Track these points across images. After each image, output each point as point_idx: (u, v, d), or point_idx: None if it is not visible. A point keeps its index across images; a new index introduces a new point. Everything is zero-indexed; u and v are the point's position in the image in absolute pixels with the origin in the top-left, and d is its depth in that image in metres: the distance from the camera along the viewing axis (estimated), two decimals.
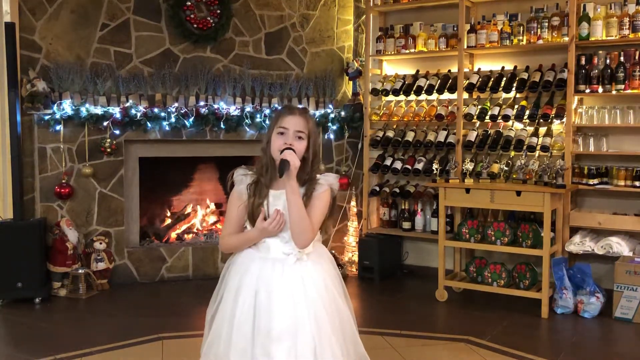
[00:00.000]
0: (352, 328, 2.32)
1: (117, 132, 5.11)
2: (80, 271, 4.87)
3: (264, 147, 2.31)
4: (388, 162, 5.49)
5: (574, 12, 4.63)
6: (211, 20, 5.34)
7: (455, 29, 5.24)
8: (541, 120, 4.79)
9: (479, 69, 5.20)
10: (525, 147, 4.82)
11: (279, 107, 5.52)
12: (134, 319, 4.34)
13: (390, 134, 5.48)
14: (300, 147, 2.24)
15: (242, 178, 2.31)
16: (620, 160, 4.64)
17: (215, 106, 5.34)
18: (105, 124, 5.04)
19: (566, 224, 4.65)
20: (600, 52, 4.65)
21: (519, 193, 4.44)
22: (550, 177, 4.53)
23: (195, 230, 5.78)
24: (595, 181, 4.61)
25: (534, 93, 4.89)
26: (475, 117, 5.04)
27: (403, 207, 5.51)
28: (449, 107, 5.26)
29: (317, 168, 2.32)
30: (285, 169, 2.15)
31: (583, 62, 4.65)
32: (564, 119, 4.71)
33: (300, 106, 5.48)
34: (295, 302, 2.17)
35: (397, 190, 5.49)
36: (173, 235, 5.69)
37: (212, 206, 5.99)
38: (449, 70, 5.35)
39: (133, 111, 5.07)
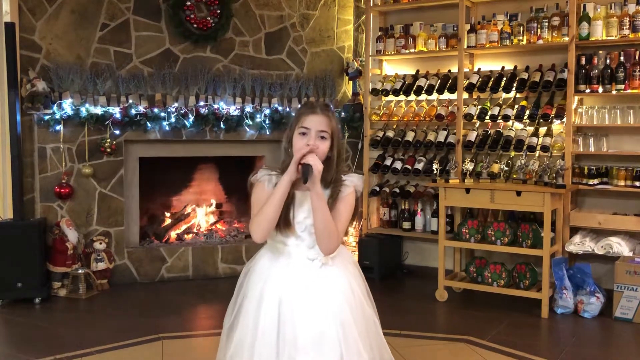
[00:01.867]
0: (379, 332, 2.26)
1: (117, 132, 5.11)
2: (80, 271, 4.88)
3: (285, 146, 2.20)
4: (388, 162, 5.49)
5: (574, 12, 4.63)
6: (211, 20, 5.34)
7: (455, 29, 5.24)
8: (541, 120, 4.79)
9: (479, 69, 5.20)
10: (525, 147, 4.82)
11: (279, 107, 5.54)
12: (134, 319, 4.34)
13: (390, 134, 5.48)
14: (323, 147, 2.13)
15: (267, 177, 2.18)
16: (620, 160, 4.64)
17: (215, 106, 5.34)
18: (105, 124, 5.04)
19: (566, 224, 4.65)
20: (600, 52, 4.65)
21: (519, 193, 4.44)
22: (550, 177, 4.53)
23: (195, 230, 5.79)
24: (595, 181, 4.61)
25: (534, 93, 4.89)
26: (475, 117, 5.04)
27: (403, 207, 5.51)
28: (449, 107, 5.26)
29: (341, 168, 2.22)
30: (309, 174, 2.05)
31: (583, 62, 4.65)
32: (564, 119, 4.70)
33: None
34: (322, 309, 2.09)
35: (397, 190, 5.49)
36: (173, 235, 5.69)
37: (213, 206, 6.00)
38: (449, 70, 5.35)
39: (133, 111, 5.07)
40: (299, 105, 5.55)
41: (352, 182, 2.21)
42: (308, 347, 2.06)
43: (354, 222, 5.63)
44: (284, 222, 2.13)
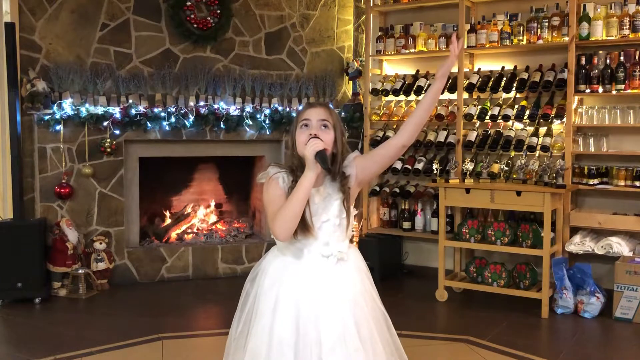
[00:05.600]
0: (392, 328, 2.22)
1: (117, 132, 5.11)
2: (80, 271, 4.88)
3: (290, 149, 2.16)
4: None
5: (574, 12, 4.63)
6: (211, 20, 5.34)
7: (455, 29, 5.24)
8: (541, 120, 4.79)
9: (479, 69, 5.20)
10: (525, 147, 4.82)
11: (279, 107, 5.54)
12: (134, 319, 4.34)
13: (390, 134, 5.48)
14: (327, 137, 2.08)
15: (280, 175, 2.10)
16: (620, 160, 4.64)
17: (215, 106, 5.34)
18: (105, 124, 5.04)
19: (566, 224, 4.65)
20: (600, 52, 4.65)
21: (519, 193, 4.43)
22: (550, 177, 4.53)
23: (195, 230, 5.79)
24: (595, 181, 4.61)
25: (534, 93, 4.89)
26: (475, 117, 5.04)
27: (403, 207, 5.51)
28: (449, 107, 5.26)
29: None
30: (327, 160, 2.00)
31: (583, 62, 4.65)
32: (564, 119, 4.70)
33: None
34: (342, 307, 2.05)
35: (397, 190, 5.49)
36: (173, 235, 5.69)
37: (213, 206, 6.00)
38: None
39: (133, 111, 5.07)
40: (299, 107, 5.58)
41: (351, 164, 2.16)
42: (335, 348, 2.01)
43: (357, 224, 5.63)
44: (301, 224, 2.06)
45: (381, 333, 2.15)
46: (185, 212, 5.85)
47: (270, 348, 2.03)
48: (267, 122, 5.47)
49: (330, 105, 2.22)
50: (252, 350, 2.06)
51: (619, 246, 4.39)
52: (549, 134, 4.80)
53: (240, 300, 2.21)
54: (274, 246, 2.23)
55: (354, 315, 2.07)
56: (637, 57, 4.51)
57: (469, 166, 4.92)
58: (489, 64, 5.21)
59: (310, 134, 2.06)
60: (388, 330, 2.20)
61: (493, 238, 4.59)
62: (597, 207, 4.77)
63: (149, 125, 5.15)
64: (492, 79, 5.04)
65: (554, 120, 4.75)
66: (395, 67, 5.72)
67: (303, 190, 2.01)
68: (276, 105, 5.55)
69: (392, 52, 5.52)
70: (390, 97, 5.53)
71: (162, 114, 5.17)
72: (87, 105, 5.01)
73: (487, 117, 5.01)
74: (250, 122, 5.44)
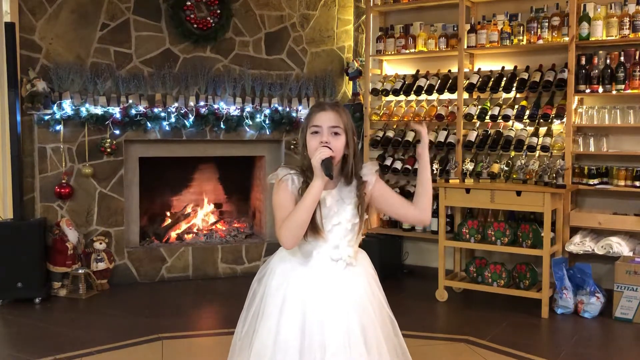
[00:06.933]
0: (399, 333, 2.21)
1: (117, 132, 5.11)
2: (80, 271, 4.88)
3: (300, 151, 2.16)
4: (388, 162, 5.49)
5: (574, 12, 4.63)
6: (211, 20, 5.34)
7: (455, 29, 5.24)
8: (541, 120, 4.79)
9: (479, 69, 5.20)
10: (525, 147, 4.82)
11: (279, 107, 5.54)
12: (134, 319, 4.34)
13: (390, 134, 5.48)
14: (338, 143, 2.07)
15: (289, 177, 2.10)
16: (620, 160, 4.64)
17: (215, 106, 5.34)
18: (105, 124, 5.04)
19: (566, 224, 4.65)
20: (601, 52, 4.65)
21: (519, 193, 4.44)
22: (550, 177, 4.53)
23: (195, 230, 5.79)
24: (595, 181, 4.61)
25: (534, 93, 4.89)
26: (475, 117, 5.04)
27: None
28: (449, 107, 5.26)
29: (360, 165, 2.18)
30: (331, 170, 2.01)
31: (583, 62, 4.65)
32: (564, 119, 4.70)
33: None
34: (348, 312, 2.05)
35: (397, 190, 5.48)
36: (173, 235, 5.69)
37: (212, 206, 6.00)
38: (449, 70, 5.35)
39: (133, 111, 5.07)
40: (300, 107, 5.59)
41: (371, 172, 2.18)
42: (338, 352, 2.01)
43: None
44: (312, 225, 2.06)
45: (388, 338, 2.14)
46: (185, 212, 5.85)
47: (275, 349, 2.03)
48: (267, 122, 5.47)
49: (341, 104, 2.18)
50: (257, 350, 2.07)
51: (619, 246, 4.39)
52: (549, 134, 4.80)
53: (246, 300, 2.21)
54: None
55: (360, 320, 2.06)
56: (637, 57, 4.51)
57: (469, 166, 4.92)
58: (489, 64, 5.21)
59: (321, 142, 2.06)
60: (395, 334, 2.19)
61: (493, 238, 4.59)
62: (597, 207, 4.77)
63: (149, 125, 5.15)
64: (492, 79, 5.04)
65: (554, 120, 4.75)
66: (395, 67, 5.72)
67: (310, 198, 2.01)
68: (276, 105, 5.55)
69: (392, 52, 5.52)
70: (390, 97, 5.53)
71: (162, 114, 5.17)
72: (87, 105, 5.00)
73: (487, 117, 5.01)
74: (250, 122, 5.44)
